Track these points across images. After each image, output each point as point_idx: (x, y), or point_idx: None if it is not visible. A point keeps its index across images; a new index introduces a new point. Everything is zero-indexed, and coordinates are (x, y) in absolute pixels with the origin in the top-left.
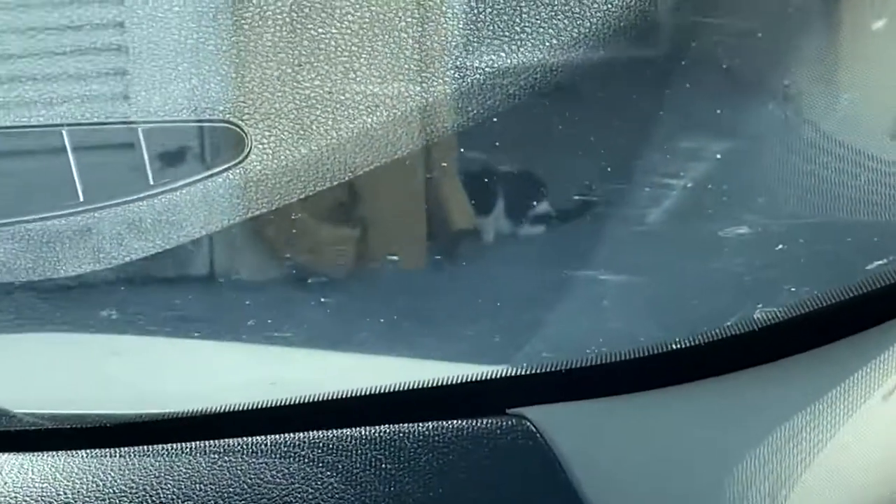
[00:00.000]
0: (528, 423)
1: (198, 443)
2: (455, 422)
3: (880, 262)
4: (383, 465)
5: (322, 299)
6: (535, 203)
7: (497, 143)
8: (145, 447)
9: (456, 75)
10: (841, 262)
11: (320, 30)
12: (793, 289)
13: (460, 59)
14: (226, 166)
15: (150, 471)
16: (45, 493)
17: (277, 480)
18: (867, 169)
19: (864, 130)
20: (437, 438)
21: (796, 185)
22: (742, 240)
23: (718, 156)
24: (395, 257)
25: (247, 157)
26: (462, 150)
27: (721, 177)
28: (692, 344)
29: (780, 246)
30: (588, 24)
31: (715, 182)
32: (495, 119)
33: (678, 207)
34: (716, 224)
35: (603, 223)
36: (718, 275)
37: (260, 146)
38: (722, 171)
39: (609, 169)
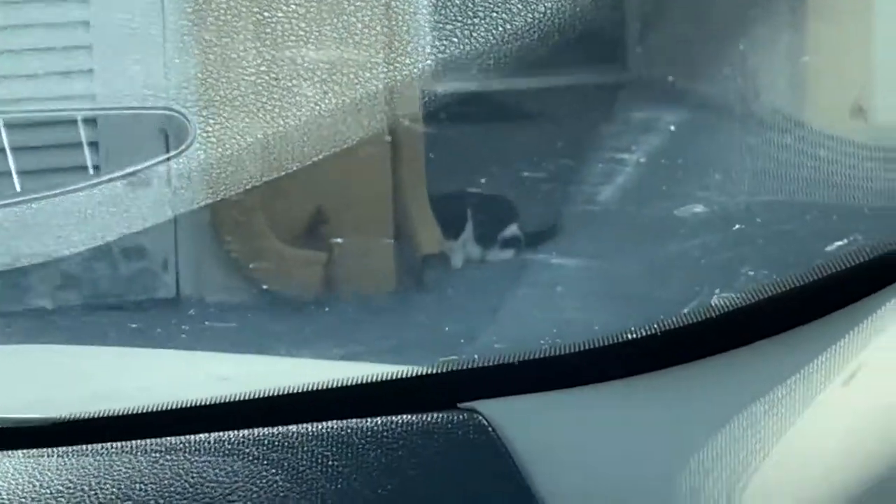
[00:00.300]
0: (480, 417)
1: (138, 441)
2: (405, 417)
3: (840, 243)
4: (330, 462)
5: (284, 323)
6: (483, 183)
7: (445, 119)
8: (84, 446)
9: (407, 62)
10: (800, 243)
11: (266, 14)
12: (751, 272)
13: (412, 46)
14: (169, 155)
15: (89, 470)
16: None
17: (220, 479)
18: (826, 148)
19: (823, 110)
20: (385, 434)
21: (753, 164)
22: (698, 219)
23: (672, 128)
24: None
25: (190, 145)
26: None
27: (675, 151)
28: (648, 334)
29: (738, 226)
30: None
31: (669, 157)
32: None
33: (632, 184)
34: (671, 202)
35: (554, 202)
36: (675, 258)
37: (204, 134)
38: (676, 144)
39: (559, 144)
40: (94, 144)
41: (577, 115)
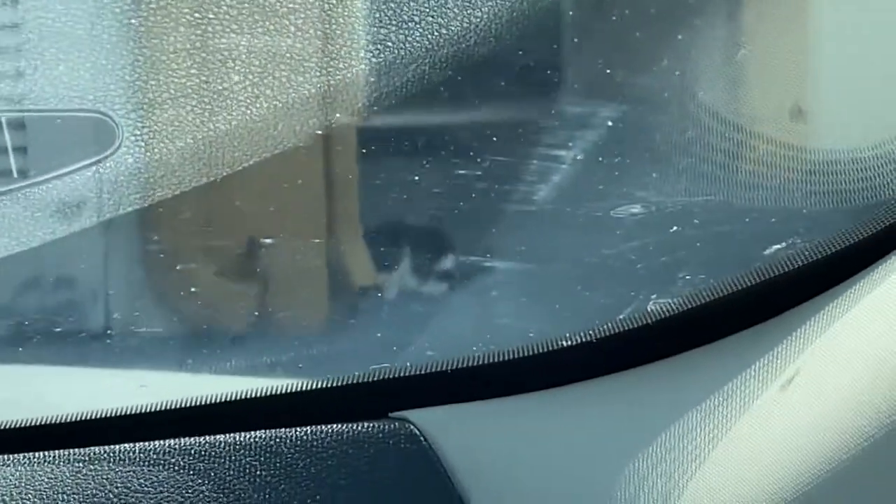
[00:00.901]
0: (412, 427)
1: (60, 451)
2: (335, 426)
3: (779, 246)
4: (258, 472)
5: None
6: (416, 184)
7: (373, 111)
8: (3, 457)
9: (342, 65)
10: (738, 246)
11: (197, 15)
12: (688, 276)
13: (348, 47)
14: (95, 159)
15: (10, 480)
16: None
17: (146, 489)
18: (764, 149)
19: (762, 110)
20: (315, 443)
21: (690, 164)
22: (635, 221)
23: (609, 123)
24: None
25: (118, 149)
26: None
27: (613, 148)
28: (583, 341)
29: (675, 228)
30: None
31: (606, 154)
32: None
33: (568, 183)
34: (608, 202)
35: (487, 202)
36: (611, 261)
37: (132, 138)
38: (614, 141)
39: (494, 139)
40: (22, 149)
41: (514, 111)
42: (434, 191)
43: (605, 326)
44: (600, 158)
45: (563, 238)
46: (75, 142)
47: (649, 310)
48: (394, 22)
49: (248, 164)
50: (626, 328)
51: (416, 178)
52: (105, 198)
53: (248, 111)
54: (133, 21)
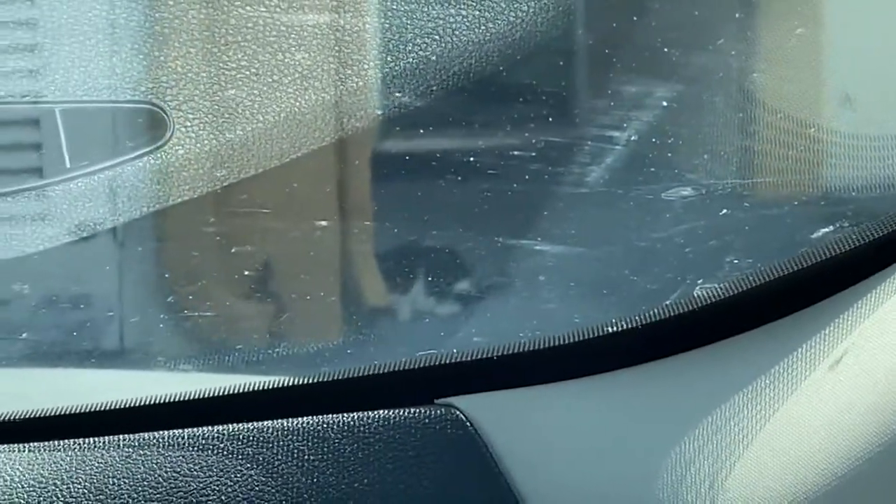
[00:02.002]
0: (458, 412)
1: (110, 437)
2: (381, 412)
3: (826, 230)
4: (306, 457)
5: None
6: (468, 160)
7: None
8: (55, 442)
9: (389, 59)
10: (786, 230)
11: (248, 8)
12: (735, 261)
13: (400, 37)
14: (146, 150)
15: (61, 465)
16: None
17: (194, 473)
18: (813, 134)
19: (811, 93)
20: (361, 429)
21: (742, 145)
22: (685, 204)
23: (664, 103)
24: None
25: (168, 140)
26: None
27: (666, 129)
28: (629, 327)
29: (724, 211)
30: None
31: (659, 135)
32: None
33: (620, 165)
34: (659, 185)
35: (537, 185)
36: (660, 245)
37: (182, 129)
38: (667, 122)
39: (550, 119)
40: (71, 137)
41: (555, 94)
42: (489, 173)
43: (652, 312)
44: (653, 140)
45: (612, 221)
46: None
47: (696, 295)
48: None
49: (297, 156)
50: (673, 313)
51: (471, 159)
52: (156, 188)
53: (298, 102)
54: (186, 13)
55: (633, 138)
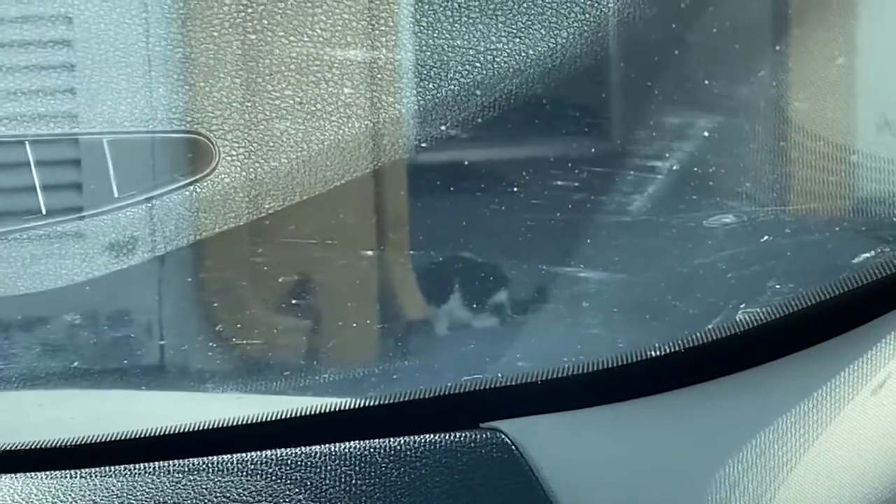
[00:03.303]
0: (503, 436)
1: (160, 462)
2: (427, 436)
3: (867, 255)
4: (353, 481)
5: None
6: (510, 189)
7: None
8: (106, 468)
9: (432, 85)
10: (827, 255)
11: (292, 38)
12: (777, 286)
13: (439, 67)
14: (193, 178)
15: (112, 491)
16: None
17: (244, 498)
18: (853, 160)
19: (850, 120)
20: (408, 453)
21: (782, 172)
22: (727, 230)
23: (705, 133)
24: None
25: (214, 169)
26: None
27: (707, 158)
28: (672, 350)
29: (765, 237)
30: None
31: (701, 164)
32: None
33: (662, 193)
34: (701, 212)
35: (583, 213)
36: (702, 271)
37: (228, 158)
38: (708, 151)
39: (592, 150)
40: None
41: (597, 124)
42: (532, 202)
43: (695, 336)
44: (695, 168)
45: (655, 248)
46: (172, 161)
47: (738, 319)
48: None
49: (340, 184)
50: (716, 338)
51: (514, 189)
52: (202, 217)
53: (342, 130)
54: (231, 45)
55: (674, 167)
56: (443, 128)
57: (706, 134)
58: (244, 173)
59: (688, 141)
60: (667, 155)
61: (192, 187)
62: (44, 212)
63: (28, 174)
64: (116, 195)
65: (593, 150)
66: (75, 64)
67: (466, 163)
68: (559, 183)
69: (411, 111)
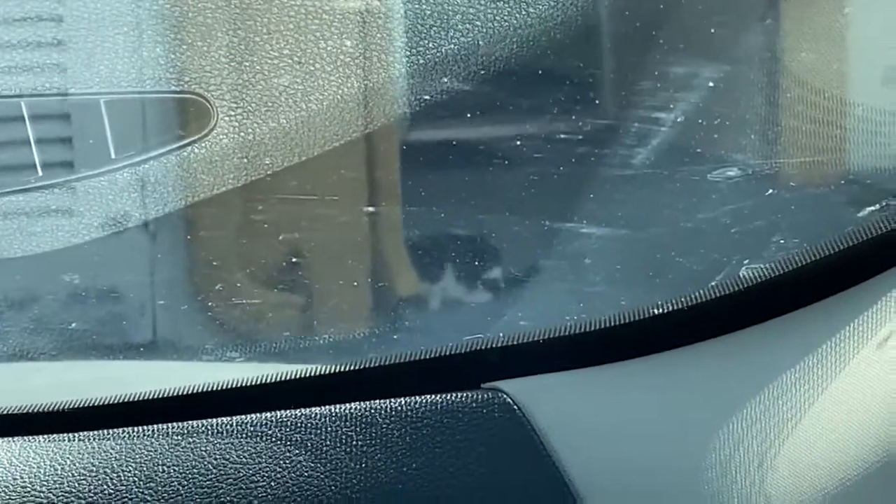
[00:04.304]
0: (505, 396)
1: (159, 425)
2: (428, 397)
3: (872, 209)
4: (354, 442)
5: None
6: (512, 143)
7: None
8: (104, 431)
9: (433, 46)
10: (831, 209)
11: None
12: (781, 241)
13: (435, 29)
14: (191, 139)
15: (111, 454)
16: (1, 479)
17: (244, 460)
18: (858, 113)
19: (856, 72)
20: (409, 413)
21: (787, 124)
22: (731, 184)
23: (710, 84)
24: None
25: (213, 129)
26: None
27: (712, 109)
28: (675, 308)
29: (770, 191)
30: None
31: (705, 116)
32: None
33: (666, 146)
34: (705, 166)
35: (586, 167)
36: (706, 226)
37: (227, 118)
38: (714, 102)
39: (596, 102)
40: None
41: (600, 76)
42: (534, 156)
43: (698, 293)
44: (699, 121)
45: (658, 203)
46: (170, 122)
47: (742, 275)
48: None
49: (339, 144)
50: (719, 294)
51: (517, 143)
52: (200, 178)
53: (342, 90)
54: (229, 3)
55: (678, 119)
56: (444, 81)
57: (711, 84)
58: (242, 133)
59: (692, 92)
60: (671, 106)
61: (189, 148)
62: (40, 173)
63: (24, 134)
64: (113, 156)
65: (597, 101)
66: (70, 22)
67: (469, 115)
68: (561, 136)
69: (412, 67)
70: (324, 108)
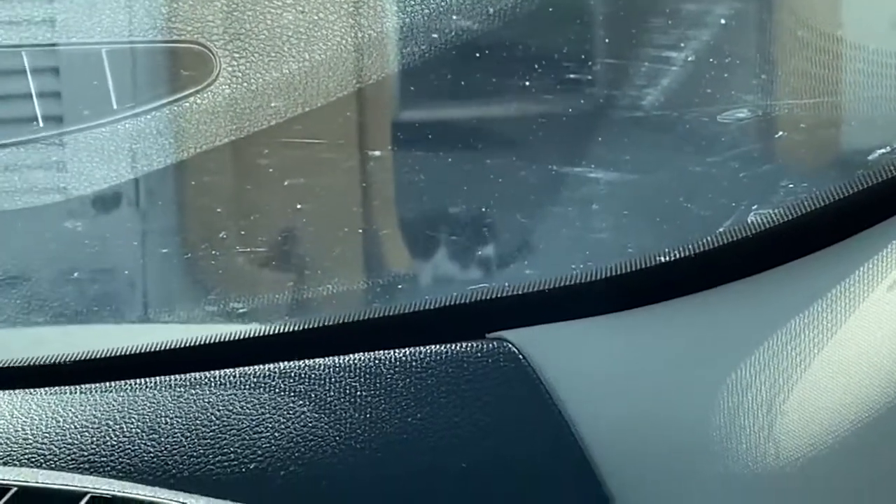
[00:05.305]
0: (510, 346)
1: (161, 377)
2: (433, 347)
3: (882, 152)
4: (358, 393)
5: None
6: (520, 84)
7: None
8: (107, 383)
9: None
10: (841, 152)
11: None
12: (790, 185)
13: None
14: (194, 90)
15: (113, 405)
16: (3, 431)
17: (247, 411)
18: (866, 57)
19: (863, 16)
20: (414, 364)
21: (797, 66)
22: (741, 126)
23: (721, 21)
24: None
25: (215, 80)
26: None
27: (722, 49)
28: (683, 256)
29: (780, 133)
30: None
31: (716, 55)
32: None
33: (676, 86)
34: (715, 107)
35: (594, 109)
36: (715, 170)
37: (229, 69)
38: (724, 42)
39: (606, 41)
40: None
41: (609, 14)
42: (542, 96)
43: (706, 240)
44: (710, 60)
45: (666, 146)
46: (172, 72)
47: (750, 221)
48: None
49: (342, 94)
50: (727, 241)
51: (525, 83)
52: (203, 128)
53: (344, 41)
54: None
55: (689, 59)
56: (451, 29)
57: (722, 22)
58: (245, 84)
59: (703, 30)
60: (681, 45)
61: (192, 98)
62: (41, 123)
63: (25, 84)
64: (115, 107)
65: (607, 40)
66: None
67: (478, 55)
68: (569, 76)
69: (416, 20)
70: (327, 59)
